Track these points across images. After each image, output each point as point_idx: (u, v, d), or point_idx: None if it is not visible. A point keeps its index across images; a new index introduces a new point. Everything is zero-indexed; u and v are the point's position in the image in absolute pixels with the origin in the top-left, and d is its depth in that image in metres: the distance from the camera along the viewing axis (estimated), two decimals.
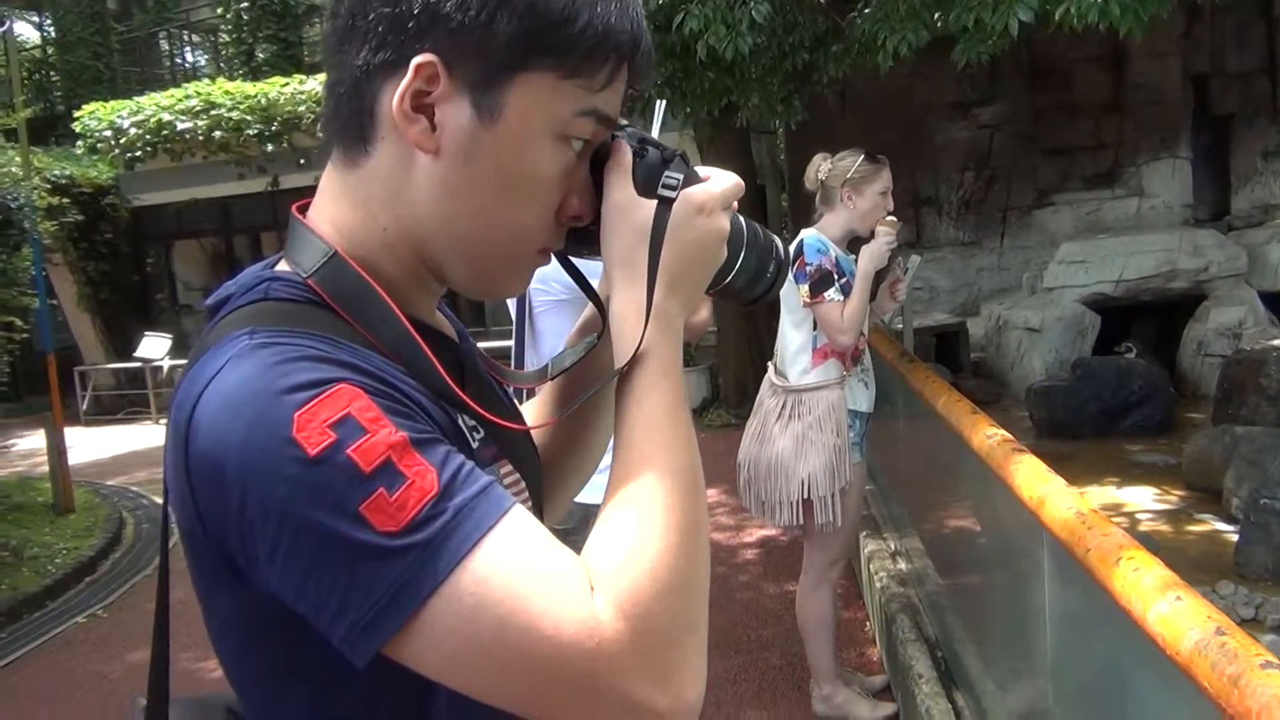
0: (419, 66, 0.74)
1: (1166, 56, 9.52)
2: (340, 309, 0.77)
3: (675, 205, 0.81)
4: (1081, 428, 7.12)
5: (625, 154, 0.83)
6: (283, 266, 0.83)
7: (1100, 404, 7.18)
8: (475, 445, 0.82)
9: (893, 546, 4.81)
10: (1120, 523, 5.40)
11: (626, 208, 0.82)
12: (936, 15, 4.96)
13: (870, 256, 3.45)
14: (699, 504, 0.77)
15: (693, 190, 0.83)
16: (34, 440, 9.23)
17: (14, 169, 7.46)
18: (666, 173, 0.82)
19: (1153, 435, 7.04)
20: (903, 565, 4.55)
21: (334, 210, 0.82)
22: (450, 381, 0.78)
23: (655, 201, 0.82)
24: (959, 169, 10.03)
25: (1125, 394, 7.19)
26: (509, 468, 0.87)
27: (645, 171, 0.83)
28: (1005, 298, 9.53)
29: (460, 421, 0.81)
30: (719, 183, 0.85)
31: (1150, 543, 4.84)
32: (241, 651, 0.78)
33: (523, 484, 0.89)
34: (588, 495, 1.09)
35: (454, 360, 0.87)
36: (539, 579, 0.67)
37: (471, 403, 0.80)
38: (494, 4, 0.74)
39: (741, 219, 0.90)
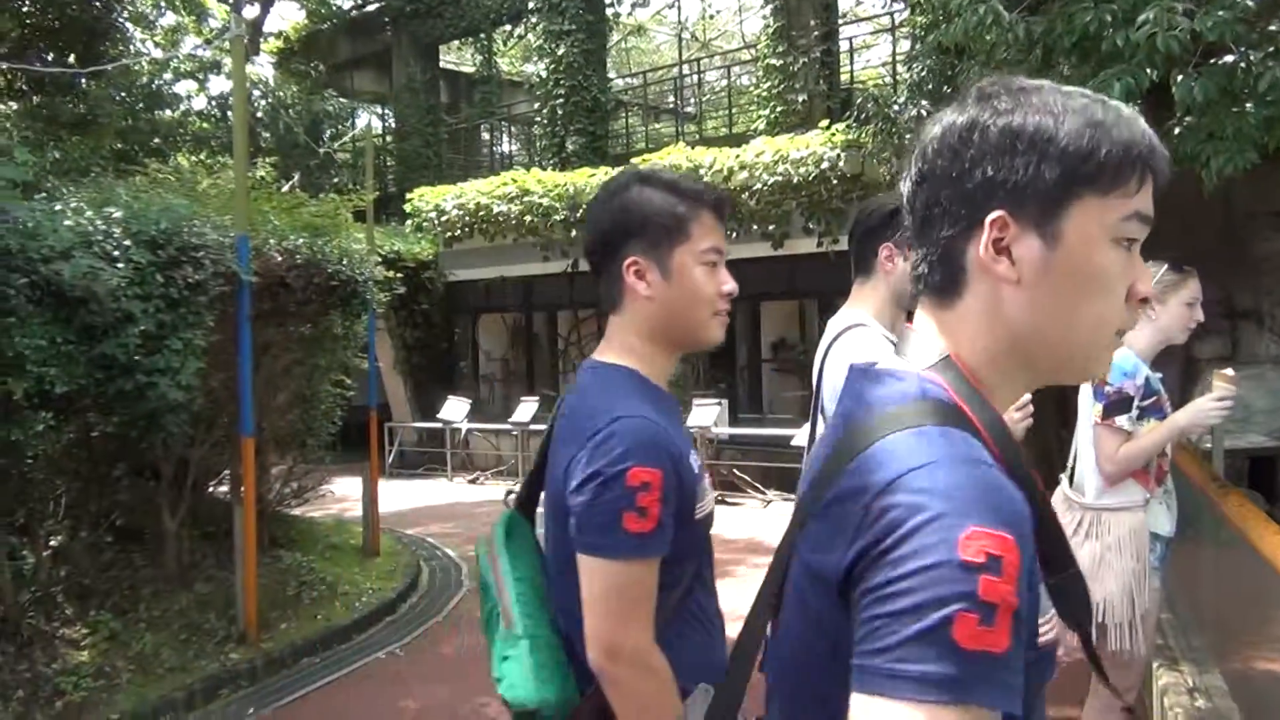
0: (993, 222, 1.00)
1: None
2: (958, 398, 1.01)
3: None
4: None
5: None
6: (901, 366, 1.07)
7: None
8: None
9: (1191, 682, 4.47)
10: None
11: None
12: (1267, 139, 4.72)
13: (1193, 416, 3.24)
14: None
15: None
16: (345, 487, 10.20)
17: (360, 246, 8.42)
18: None
19: None
20: (1201, 703, 4.23)
21: (945, 341, 1.06)
22: (1038, 486, 0.99)
23: None
24: None
25: None
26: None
27: None
28: None
29: None
30: None
31: None
32: None
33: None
34: None
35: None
36: None
37: (1050, 524, 0.99)
38: (1036, 160, 0.98)
39: None
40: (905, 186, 1.07)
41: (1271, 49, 4.57)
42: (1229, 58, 4.62)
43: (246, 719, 5.37)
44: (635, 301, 1.82)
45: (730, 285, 1.84)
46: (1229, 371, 3.29)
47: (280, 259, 6.86)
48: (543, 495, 1.96)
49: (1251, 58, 4.54)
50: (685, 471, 1.72)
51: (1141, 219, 1.00)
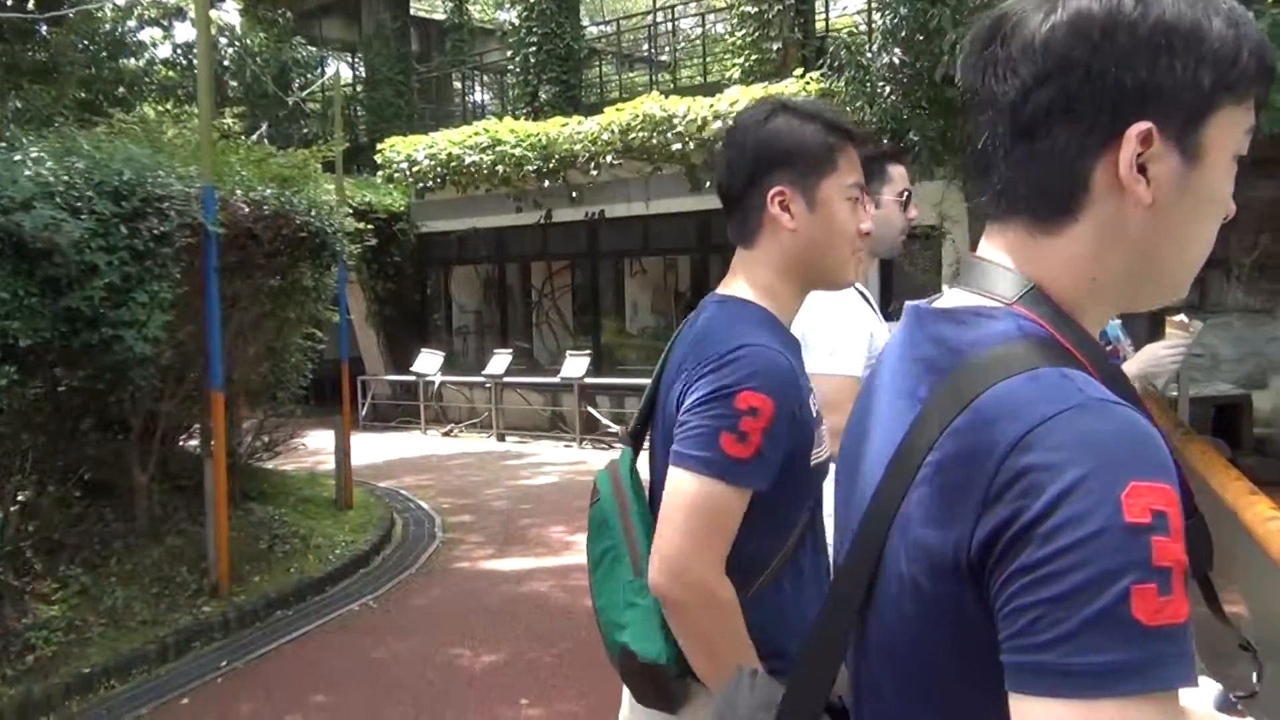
0: (1140, 135, 0.85)
1: None
2: (1059, 335, 0.88)
3: None
4: None
5: None
6: (980, 300, 0.93)
7: None
8: None
9: None
10: None
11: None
12: None
13: (1144, 364, 3.15)
14: None
15: None
16: (318, 440, 10.18)
17: (330, 197, 8.32)
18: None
19: None
20: None
21: (1031, 270, 0.92)
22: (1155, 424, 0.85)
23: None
24: (1254, 230, 9.32)
25: None
26: None
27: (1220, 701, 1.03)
28: None
29: None
30: None
31: None
32: None
33: None
34: None
35: None
36: None
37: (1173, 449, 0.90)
38: (1192, 63, 0.85)
39: None
40: (1005, 86, 0.89)
41: None
42: None
43: (219, 671, 5.38)
44: (776, 234, 1.75)
45: (868, 224, 1.80)
46: (1181, 318, 3.30)
47: (247, 210, 6.77)
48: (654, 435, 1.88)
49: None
50: (803, 412, 1.66)
51: (1250, 132, 0.90)
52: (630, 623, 1.70)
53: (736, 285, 1.79)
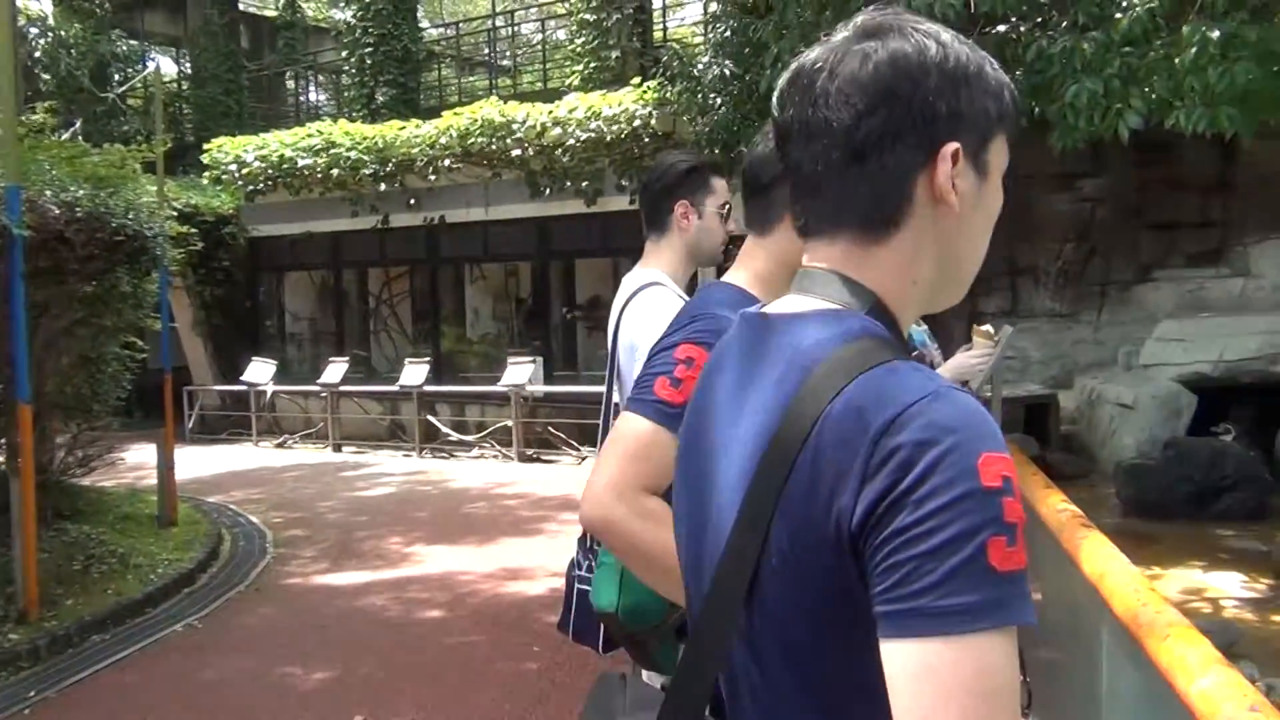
0: (954, 154, 1.01)
1: None
2: (887, 330, 1.03)
3: None
4: (1170, 509, 6.98)
5: None
6: (823, 304, 1.05)
7: (1191, 486, 7.04)
8: None
9: None
10: (1202, 608, 5.31)
11: None
12: (1034, 105, 5.03)
13: (954, 372, 3.31)
14: None
15: None
16: (142, 454, 9.71)
17: (150, 199, 7.95)
18: None
19: (1245, 521, 6.87)
20: None
21: (862, 276, 1.06)
22: None
23: None
24: (1058, 240, 9.96)
25: (1218, 477, 7.04)
26: None
27: None
28: (1099, 372, 9.40)
29: None
30: None
31: (1232, 630, 4.76)
32: None
33: None
34: None
35: None
36: (1012, 695, 0.86)
37: None
38: (981, 94, 1.03)
39: None
40: (839, 114, 1.01)
41: (1039, 20, 4.86)
42: (1001, 27, 4.89)
43: (27, 702, 5.06)
44: (793, 229, 1.82)
45: None
46: (987, 327, 3.51)
47: (58, 212, 6.41)
48: None
49: (1021, 28, 4.82)
50: None
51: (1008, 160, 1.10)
52: (594, 580, 1.90)
53: (738, 270, 1.90)
